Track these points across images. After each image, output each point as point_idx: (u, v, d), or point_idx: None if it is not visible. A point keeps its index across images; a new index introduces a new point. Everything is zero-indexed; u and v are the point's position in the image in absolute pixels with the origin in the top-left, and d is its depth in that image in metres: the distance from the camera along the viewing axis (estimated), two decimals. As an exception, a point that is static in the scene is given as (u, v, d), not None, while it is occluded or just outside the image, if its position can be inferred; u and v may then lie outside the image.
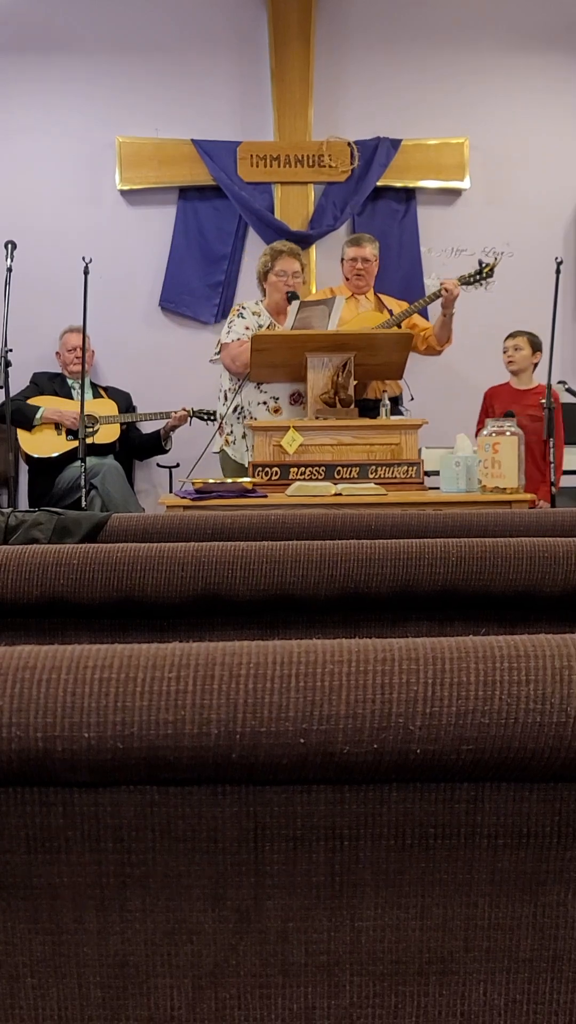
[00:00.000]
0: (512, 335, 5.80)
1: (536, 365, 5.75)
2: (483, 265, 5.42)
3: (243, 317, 5.08)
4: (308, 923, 0.80)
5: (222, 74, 6.71)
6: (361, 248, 5.65)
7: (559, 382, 5.72)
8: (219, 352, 5.11)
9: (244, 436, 4.99)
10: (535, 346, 5.73)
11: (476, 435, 5.26)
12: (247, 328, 5.00)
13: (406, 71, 6.76)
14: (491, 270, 5.40)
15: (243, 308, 5.15)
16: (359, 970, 0.81)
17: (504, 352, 5.79)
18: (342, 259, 5.79)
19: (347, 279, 5.72)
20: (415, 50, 6.76)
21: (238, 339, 4.97)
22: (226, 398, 5.10)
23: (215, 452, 5.20)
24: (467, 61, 6.79)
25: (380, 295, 5.80)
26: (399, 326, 5.42)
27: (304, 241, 6.55)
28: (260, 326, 5.02)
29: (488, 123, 6.79)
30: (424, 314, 5.84)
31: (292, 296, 4.97)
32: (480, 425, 5.67)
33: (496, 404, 5.66)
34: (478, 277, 5.41)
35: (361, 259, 5.63)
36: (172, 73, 6.67)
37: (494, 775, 0.77)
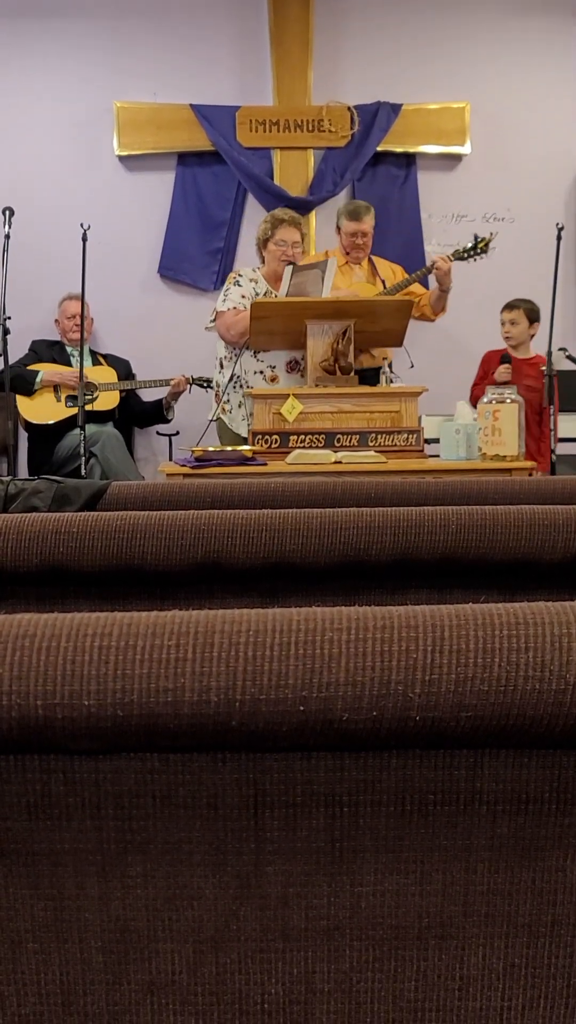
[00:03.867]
0: (508, 307, 5.75)
1: (533, 336, 5.74)
2: (478, 240, 5.47)
3: (239, 285, 5.02)
4: (308, 889, 0.81)
5: (221, 38, 6.65)
6: (361, 223, 5.61)
7: (559, 349, 5.71)
8: (214, 320, 5.06)
9: (240, 405, 4.96)
10: (532, 317, 5.70)
11: (471, 398, 5.29)
12: (243, 296, 4.96)
13: (407, 34, 6.69)
14: (486, 245, 5.45)
15: (239, 276, 5.10)
16: (359, 935, 0.81)
17: (501, 324, 5.77)
18: (338, 227, 5.76)
19: (346, 252, 5.68)
20: (416, 13, 6.70)
21: (233, 307, 4.92)
22: (222, 367, 5.07)
23: (212, 420, 5.19)
24: (468, 24, 6.72)
25: (374, 257, 5.78)
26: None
27: (304, 207, 6.51)
28: (257, 294, 4.97)
29: (490, 87, 6.73)
30: (424, 282, 5.83)
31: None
32: (475, 388, 5.68)
33: (493, 370, 5.66)
34: (472, 252, 5.47)
35: (360, 233, 5.61)
36: (170, 36, 6.60)
37: (493, 742, 0.78)
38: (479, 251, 5.47)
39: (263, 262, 5.16)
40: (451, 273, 5.33)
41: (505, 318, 5.74)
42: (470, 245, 5.48)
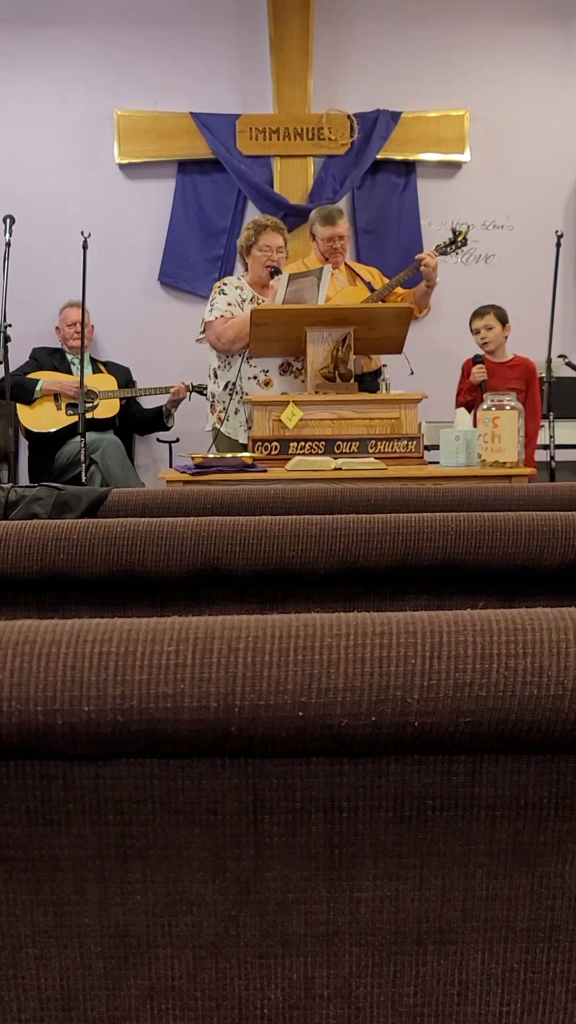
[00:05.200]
0: (478, 314, 5.75)
1: (507, 338, 5.73)
2: (456, 233, 5.55)
3: (225, 294, 5.03)
4: (307, 894, 0.81)
5: (221, 46, 6.66)
6: (336, 227, 5.61)
7: (559, 356, 5.72)
8: (203, 332, 5.07)
9: (237, 412, 4.97)
10: (503, 320, 5.71)
11: (456, 407, 5.29)
12: (229, 304, 4.96)
13: (406, 42, 6.71)
14: (464, 238, 5.56)
15: (224, 285, 5.11)
16: (358, 940, 0.82)
17: (476, 333, 5.75)
18: (312, 235, 5.74)
19: (325, 258, 5.67)
20: (415, 21, 6.71)
21: (221, 316, 4.93)
22: (215, 376, 5.08)
23: (208, 430, 5.18)
24: (467, 32, 6.73)
25: (348, 261, 5.80)
26: (383, 300, 5.44)
27: (304, 215, 6.52)
28: (243, 300, 4.98)
29: (489, 95, 6.74)
30: (405, 283, 5.84)
31: (275, 271, 4.94)
32: (459, 396, 5.68)
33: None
34: (452, 247, 5.57)
35: (337, 237, 5.62)
36: (170, 45, 6.62)
37: (491, 747, 0.78)
38: (459, 244, 5.58)
39: (246, 269, 5.17)
40: (437, 268, 5.40)
41: (479, 325, 5.73)
42: (449, 239, 5.58)
